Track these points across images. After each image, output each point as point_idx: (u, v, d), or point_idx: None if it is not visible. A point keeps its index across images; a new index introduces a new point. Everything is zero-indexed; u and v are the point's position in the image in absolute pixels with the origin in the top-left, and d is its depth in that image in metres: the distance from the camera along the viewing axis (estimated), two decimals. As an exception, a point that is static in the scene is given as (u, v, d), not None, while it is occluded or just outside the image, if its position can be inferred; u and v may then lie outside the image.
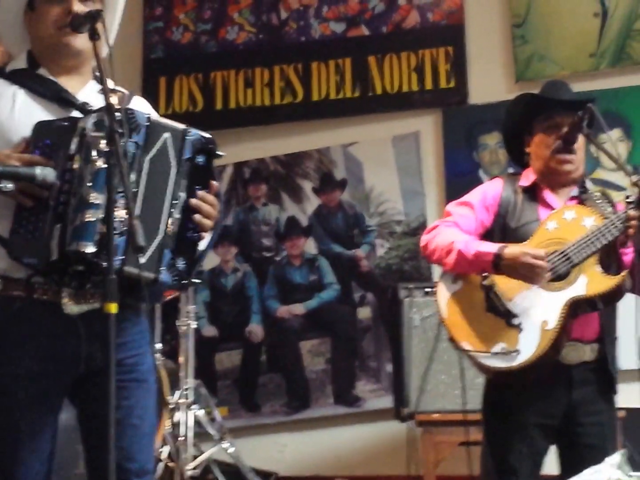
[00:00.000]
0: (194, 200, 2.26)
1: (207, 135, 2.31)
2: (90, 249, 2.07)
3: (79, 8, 2.27)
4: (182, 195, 2.24)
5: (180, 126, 2.27)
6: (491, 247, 2.92)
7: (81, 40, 2.28)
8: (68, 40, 2.29)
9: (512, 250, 2.88)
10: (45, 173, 2.11)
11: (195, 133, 2.28)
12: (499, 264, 2.88)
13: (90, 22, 2.20)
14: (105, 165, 2.09)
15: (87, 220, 2.08)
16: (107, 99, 2.12)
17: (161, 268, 2.20)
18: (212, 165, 2.31)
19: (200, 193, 2.27)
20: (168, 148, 2.23)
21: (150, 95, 4.94)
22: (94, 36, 2.18)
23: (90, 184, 2.10)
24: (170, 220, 2.22)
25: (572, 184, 3.09)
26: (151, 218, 2.19)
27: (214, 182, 2.32)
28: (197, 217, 2.26)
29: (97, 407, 2.06)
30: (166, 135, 2.23)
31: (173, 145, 2.24)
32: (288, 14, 5.41)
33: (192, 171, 2.26)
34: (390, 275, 5.07)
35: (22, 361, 2.19)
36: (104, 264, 2.05)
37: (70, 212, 2.11)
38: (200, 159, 2.27)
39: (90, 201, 2.09)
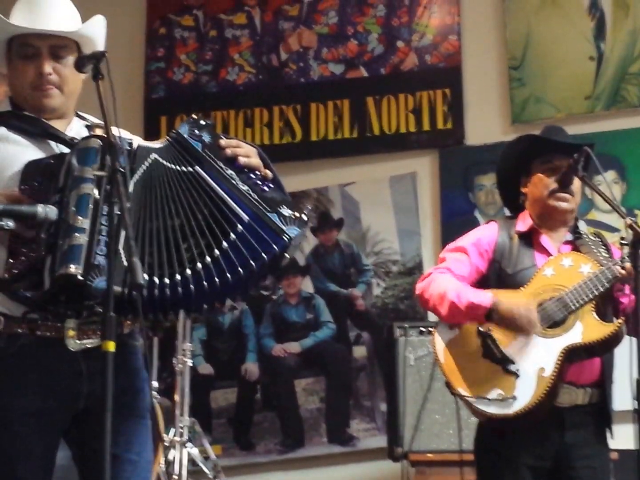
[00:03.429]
0: None
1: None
2: (76, 270, 2.07)
3: (48, 69, 2.33)
4: None
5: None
6: (484, 299, 2.93)
7: (55, 100, 2.35)
8: (42, 101, 2.35)
9: (506, 305, 2.90)
10: (47, 211, 2.12)
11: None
12: (491, 316, 2.91)
13: (94, 62, 2.23)
14: (89, 192, 2.12)
15: (73, 243, 2.09)
16: (107, 129, 2.14)
17: None
18: None
19: None
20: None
21: (152, 134, 4.97)
22: (97, 76, 2.21)
23: (74, 208, 2.12)
24: None
25: (566, 225, 3.11)
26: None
27: None
28: None
29: (94, 443, 2.07)
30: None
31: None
32: (288, 56, 5.46)
33: None
34: (386, 314, 5.07)
35: (23, 397, 2.20)
36: (92, 284, 2.06)
37: (59, 241, 2.12)
38: None
39: (77, 225, 2.11)
